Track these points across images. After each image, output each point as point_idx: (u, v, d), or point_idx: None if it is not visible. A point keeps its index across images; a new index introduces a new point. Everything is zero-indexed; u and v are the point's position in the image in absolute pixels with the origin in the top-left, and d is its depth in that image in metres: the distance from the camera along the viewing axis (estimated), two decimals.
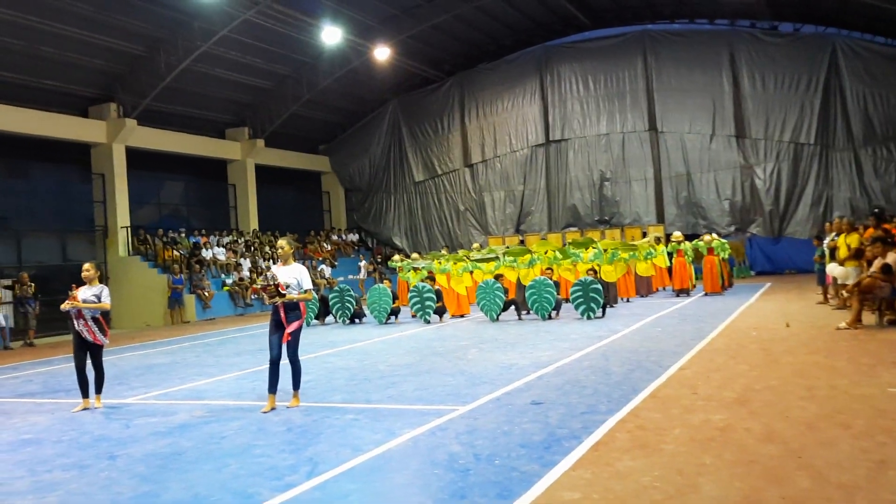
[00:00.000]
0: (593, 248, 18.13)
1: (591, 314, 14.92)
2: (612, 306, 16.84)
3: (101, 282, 8.68)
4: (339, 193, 33.98)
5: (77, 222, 23.32)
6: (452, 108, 31.19)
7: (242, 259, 25.21)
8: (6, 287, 18.57)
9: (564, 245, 19.90)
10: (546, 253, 17.77)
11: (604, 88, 28.52)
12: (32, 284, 18.71)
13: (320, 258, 27.60)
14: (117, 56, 22.26)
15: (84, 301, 8.30)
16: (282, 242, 8.10)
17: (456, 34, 28.61)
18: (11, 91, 20.36)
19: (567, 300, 16.13)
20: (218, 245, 25.59)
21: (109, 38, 21.19)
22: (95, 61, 21.86)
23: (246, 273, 24.45)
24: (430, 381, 8.92)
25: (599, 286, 15.23)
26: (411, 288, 17.39)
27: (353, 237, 32.80)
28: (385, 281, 18.59)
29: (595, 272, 16.48)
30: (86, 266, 8.61)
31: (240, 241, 26.76)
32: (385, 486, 4.98)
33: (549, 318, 15.34)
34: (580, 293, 15.17)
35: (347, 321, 17.41)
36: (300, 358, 7.89)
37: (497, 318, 15.86)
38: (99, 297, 8.39)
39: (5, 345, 17.58)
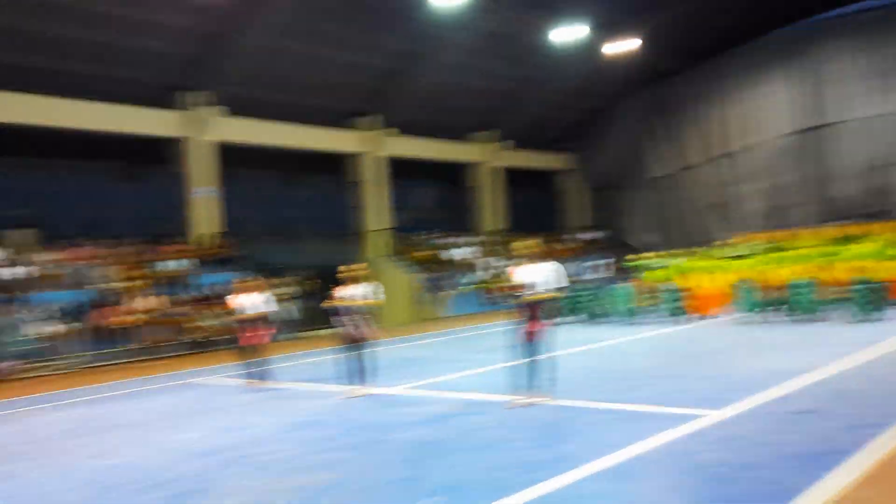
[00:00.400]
0: (862, 243, 16.36)
1: (865, 316, 13.47)
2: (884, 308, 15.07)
3: (366, 281, 9.50)
4: (576, 191, 33.91)
5: (339, 226, 25.64)
6: (697, 99, 29.79)
7: (485, 258, 26.13)
8: (295, 284, 20.75)
9: (827, 241, 18.15)
10: (804, 250, 16.36)
11: (874, 65, 25.50)
12: (314, 282, 20.73)
13: (559, 257, 27.73)
14: (372, 72, 24.15)
15: (349, 298, 9.16)
16: (528, 242, 8.30)
17: (703, 20, 27.21)
18: (284, 111, 22.96)
19: (833, 301, 14.71)
20: (461, 245, 26.77)
21: (365, 57, 23.08)
22: (354, 78, 23.92)
23: (489, 272, 25.30)
24: (682, 383, 8.64)
25: (877, 286, 13.72)
26: (654, 287, 16.91)
27: (593, 235, 32.53)
28: (629, 280, 18.27)
29: (865, 271, 14.84)
30: (350, 266, 9.46)
31: (481, 242, 27.75)
32: (637, 490, 4.93)
33: (812, 320, 14.11)
34: (851, 293, 13.77)
35: (590, 320, 17.35)
36: (549, 355, 8.04)
37: (754, 319, 14.90)
38: (366, 295, 9.21)
39: (289, 335, 19.71)
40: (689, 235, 29.36)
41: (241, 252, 21.15)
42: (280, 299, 19.37)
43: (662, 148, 30.88)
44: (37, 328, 15.72)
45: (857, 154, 25.91)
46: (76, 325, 16.22)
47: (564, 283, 8.02)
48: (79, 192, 20.36)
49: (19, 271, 16.94)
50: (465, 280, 24.83)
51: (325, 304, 9.39)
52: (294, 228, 24.39)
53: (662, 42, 27.68)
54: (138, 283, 18.18)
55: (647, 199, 31.45)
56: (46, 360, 15.42)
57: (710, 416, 6.73)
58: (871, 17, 25.66)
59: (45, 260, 17.63)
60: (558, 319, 17.50)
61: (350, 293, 9.24)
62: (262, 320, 10.89)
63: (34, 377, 14.88)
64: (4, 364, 14.83)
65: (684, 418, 6.72)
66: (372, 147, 25.08)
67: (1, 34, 17.36)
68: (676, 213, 30.55)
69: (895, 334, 11.52)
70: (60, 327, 15.99)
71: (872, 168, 25.61)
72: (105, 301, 17.09)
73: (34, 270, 17.16)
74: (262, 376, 10.94)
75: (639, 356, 11.28)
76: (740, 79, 28.54)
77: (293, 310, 19.84)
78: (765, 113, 27.99)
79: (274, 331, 11.60)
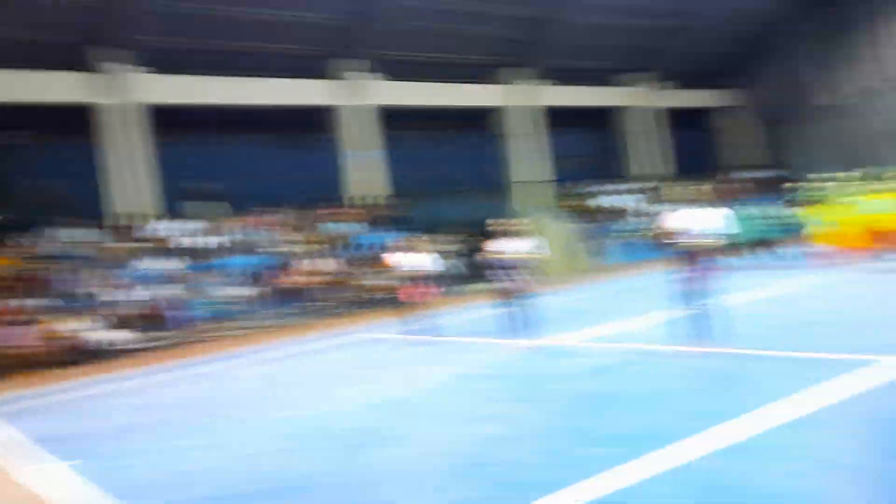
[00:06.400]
0: None
1: None
2: None
3: (526, 235, 9.49)
4: (738, 128, 31.79)
5: (492, 180, 25.47)
6: (873, 17, 26.85)
7: (641, 205, 25.34)
8: (457, 241, 20.77)
9: None
10: None
11: None
12: (475, 237, 20.69)
13: (723, 199, 26.30)
14: (514, 22, 23.57)
15: (511, 251, 9.20)
16: (695, 186, 7.93)
17: None
18: (435, 70, 23.04)
19: None
20: (615, 193, 25.89)
21: (511, 8, 22.55)
22: (501, 30, 23.43)
23: (645, 218, 24.54)
24: (868, 330, 8.07)
25: None
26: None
27: (762, 174, 30.48)
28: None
29: None
30: (504, 220, 9.51)
31: (636, 188, 26.88)
32: (819, 442, 4.72)
33: None
34: None
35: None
36: (713, 301, 7.78)
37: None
38: (528, 249, 9.22)
39: (453, 290, 19.77)
40: (870, 168, 26.77)
41: (404, 211, 21.80)
42: (444, 256, 19.72)
43: (836, 74, 28.25)
44: (226, 291, 17.15)
45: None
46: (258, 287, 17.54)
47: (728, 229, 7.64)
48: (251, 164, 21.76)
49: (212, 240, 18.54)
50: (620, 228, 24.25)
51: (481, 258, 9.49)
52: (451, 185, 24.53)
53: None
54: (313, 246, 19.32)
55: (820, 130, 28.97)
56: (234, 320, 16.80)
57: (886, 363, 6.27)
58: None
59: (231, 228, 19.21)
60: (724, 265, 16.62)
61: (508, 247, 9.31)
62: (427, 278, 11.25)
63: (223, 336, 16.23)
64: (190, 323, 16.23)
65: (869, 364, 6.31)
66: (522, 98, 24.78)
67: (182, 20, 18.94)
68: (853, 143, 27.94)
69: None
70: (245, 290, 17.37)
71: None
72: (282, 265, 18.34)
73: (225, 239, 18.71)
74: (428, 331, 11.37)
75: (823, 300, 10.64)
76: None
77: (456, 265, 20.04)
78: None
79: (439, 288, 11.96)
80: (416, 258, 11.35)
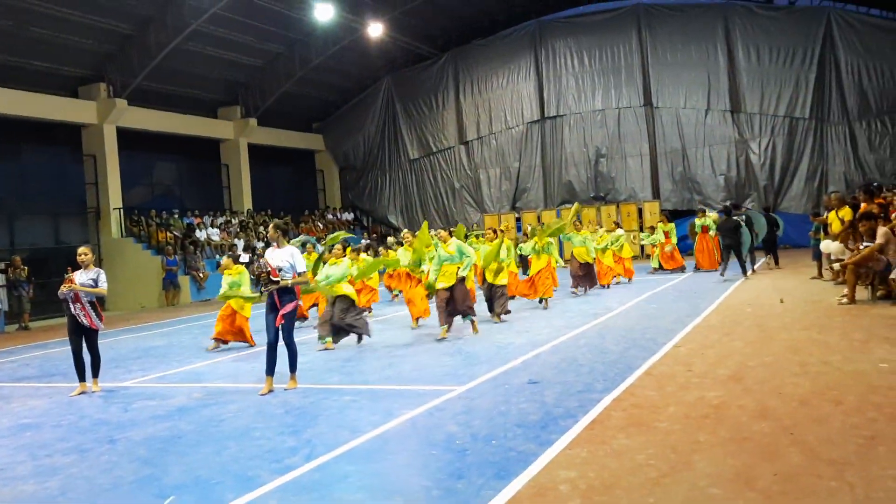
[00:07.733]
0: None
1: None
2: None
3: (95, 265, 8.65)
4: (333, 172, 33.87)
5: (69, 204, 23.19)
6: (447, 85, 31.01)
7: (237, 239, 25.18)
8: (9, 269, 18.56)
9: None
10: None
11: (598, 63, 28.37)
12: (25, 268, 18.69)
13: (314, 237, 27.53)
14: (107, 35, 22.03)
15: (81, 285, 8.27)
16: (270, 227, 8.09)
17: (450, 9, 28.41)
18: (1, 72, 20.17)
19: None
20: (212, 226, 25.55)
21: (99, 18, 20.95)
22: (85, 41, 21.63)
23: (241, 253, 24.39)
24: (427, 361, 8.97)
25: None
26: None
27: (349, 216, 32.73)
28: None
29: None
30: (81, 250, 8.55)
31: (234, 222, 26.72)
32: (384, 467, 5.03)
33: None
34: None
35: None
36: (296, 339, 7.93)
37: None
38: (96, 282, 8.37)
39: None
40: (445, 215, 30.75)
41: None
42: None
43: (418, 130, 31.73)
44: None
45: (586, 143, 28.65)
46: None
47: (304, 268, 7.90)
48: None
49: None
50: (217, 261, 23.69)
51: (61, 292, 8.30)
52: (6, 206, 21.41)
53: (414, 28, 28.49)
54: None
55: (404, 180, 32.16)
56: None
57: (454, 391, 7.06)
58: (599, 19, 28.36)
59: None
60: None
61: (78, 280, 8.35)
62: None
63: None
64: None
65: (430, 394, 6.98)
66: (103, 118, 22.74)
67: None
68: (433, 193, 31.59)
69: (613, 308, 12.95)
70: None
71: (598, 156, 28.55)
72: None
73: None
74: None
75: (390, 336, 11.56)
76: (489, 68, 30.12)
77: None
78: (510, 101, 29.87)
79: None
80: None
